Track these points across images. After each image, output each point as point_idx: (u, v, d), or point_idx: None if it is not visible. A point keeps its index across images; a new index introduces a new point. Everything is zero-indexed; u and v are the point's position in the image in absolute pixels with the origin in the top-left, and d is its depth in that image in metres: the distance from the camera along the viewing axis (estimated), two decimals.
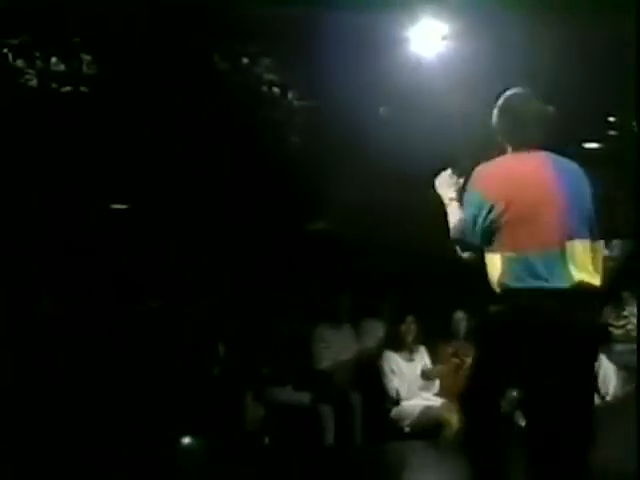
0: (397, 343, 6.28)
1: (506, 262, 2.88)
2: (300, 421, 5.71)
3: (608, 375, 7.22)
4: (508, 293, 2.88)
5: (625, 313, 8.22)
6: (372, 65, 6.40)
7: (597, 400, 7.03)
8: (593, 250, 2.91)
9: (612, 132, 10.05)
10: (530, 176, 2.96)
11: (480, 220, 2.94)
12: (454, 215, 3.17)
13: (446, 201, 3.28)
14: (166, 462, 4.88)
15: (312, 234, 7.64)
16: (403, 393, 6.10)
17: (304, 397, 5.92)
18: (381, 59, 6.43)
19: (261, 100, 7.09)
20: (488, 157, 3.10)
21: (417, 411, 6.04)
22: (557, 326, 2.79)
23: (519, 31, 6.49)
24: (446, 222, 3.20)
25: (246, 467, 4.94)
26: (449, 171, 3.34)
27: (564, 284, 2.81)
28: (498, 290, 2.92)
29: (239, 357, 5.71)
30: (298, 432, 5.65)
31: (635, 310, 8.25)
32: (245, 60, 6.87)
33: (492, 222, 2.91)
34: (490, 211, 2.90)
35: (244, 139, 6.99)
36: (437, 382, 6.36)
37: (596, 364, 3.89)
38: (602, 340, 3.30)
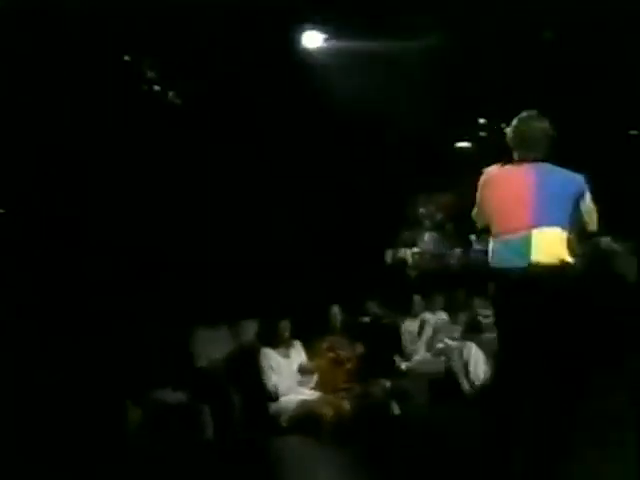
0: (273, 340, 6.33)
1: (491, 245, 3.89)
2: (179, 420, 5.64)
3: (478, 363, 7.53)
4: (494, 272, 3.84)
5: None
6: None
7: (467, 387, 7.41)
8: (562, 237, 3.73)
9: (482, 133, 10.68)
10: (514, 180, 3.88)
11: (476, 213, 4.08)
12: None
13: None
14: (47, 467, 4.69)
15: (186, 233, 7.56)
16: (281, 389, 6.16)
17: (183, 397, 5.86)
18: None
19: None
20: None
21: (294, 406, 6.11)
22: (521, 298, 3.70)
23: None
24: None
25: (128, 469, 4.83)
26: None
27: (525, 264, 3.67)
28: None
29: (117, 360, 5.57)
30: (178, 432, 5.57)
31: None
32: None
33: (485, 214, 3.98)
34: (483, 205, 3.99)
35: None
36: (314, 377, 6.46)
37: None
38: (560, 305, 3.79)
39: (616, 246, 10.14)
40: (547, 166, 3.89)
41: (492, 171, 4.00)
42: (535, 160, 3.89)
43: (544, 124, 3.97)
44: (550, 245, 3.71)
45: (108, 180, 6.92)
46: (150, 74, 6.97)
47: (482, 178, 4.02)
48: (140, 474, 4.81)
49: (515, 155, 3.96)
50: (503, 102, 9.20)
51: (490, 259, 3.88)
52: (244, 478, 4.80)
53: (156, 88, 7.03)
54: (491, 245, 3.90)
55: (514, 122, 4.01)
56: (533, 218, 3.74)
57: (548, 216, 3.74)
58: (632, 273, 9.15)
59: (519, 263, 3.71)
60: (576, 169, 3.98)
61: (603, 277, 9.50)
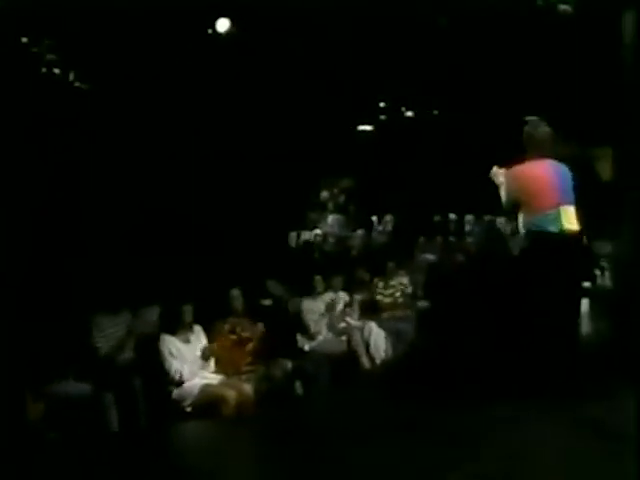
0: (175, 325, 6.26)
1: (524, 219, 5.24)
2: (83, 412, 5.53)
3: (378, 341, 7.71)
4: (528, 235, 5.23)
5: (392, 283, 8.84)
6: None
7: (368, 364, 7.57)
8: (574, 212, 5.20)
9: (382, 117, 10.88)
10: (540, 173, 5.23)
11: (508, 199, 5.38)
12: (503, 193, 5.41)
13: (498, 184, 5.45)
14: None
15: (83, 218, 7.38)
16: (183, 375, 6.09)
17: (85, 388, 5.74)
18: None
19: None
20: None
21: (196, 390, 6.07)
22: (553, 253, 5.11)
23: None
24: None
25: (31, 466, 4.71)
26: (496, 168, 5.51)
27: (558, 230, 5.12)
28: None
29: (13, 353, 5.39)
30: (82, 423, 5.47)
31: (404, 280, 8.93)
32: None
33: (517, 199, 5.30)
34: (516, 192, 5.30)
35: None
36: (216, 360, 6.43)
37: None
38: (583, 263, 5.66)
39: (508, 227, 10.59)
40: (554, 161, 5.27)
41: (519, 168, 5.29)
42: (546, 157, 5.24)
43: (548, 128, 5.31)
44: (571, 217, 5.17)
45: None
46: (52, 57, 6.72)
47: (511, 174, 5.30)
48: (45, 470, 4.70)
49: (531, 153, 5.23)
50: (404, 86, 9.43)
51: (527, 227, 5.23)
52: (150, 466, 4.74)
53: (57, 72, 6.79)
54: (527, 219, 5.24)
55: (526, 128, 5.31)
56: (560, 199, 5.16)
57: (567, 198, 5.20)
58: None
59: (553, 229, 5.11)
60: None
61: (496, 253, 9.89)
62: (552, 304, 5.08)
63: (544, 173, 5.25)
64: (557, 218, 5.14)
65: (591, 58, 7.02)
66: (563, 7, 6.28)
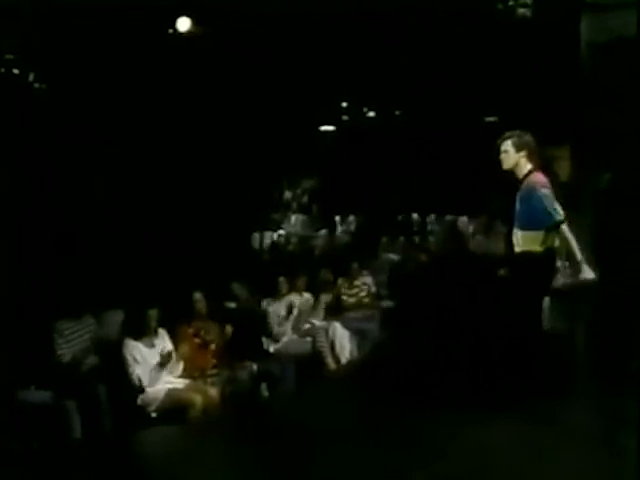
0: (138, 330, 6.21)
1: None
2: (46, 420, 5.46)
3: (343, 342, 7.74)
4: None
5: (356, 283, 8.89)
6: None
7: (333, 364, 7.60)
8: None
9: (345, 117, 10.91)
10: None
11: None
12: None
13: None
14: None
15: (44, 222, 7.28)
16: (146, 380, 6.05)
17: (47, 395, 5.67)
18: None
19: None
20: None
21: (161, 395, 6.02)
22: None
23: None
24: None
25: None
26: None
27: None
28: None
29: None
30: (45, 432, 5.40)
31: (368, 280, 8.97)
32: None
33: None
34: None
35: None
36: (180, 364, 6.40)
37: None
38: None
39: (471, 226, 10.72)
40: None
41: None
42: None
43: None
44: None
45: None
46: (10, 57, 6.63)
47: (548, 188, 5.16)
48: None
49: (534, 164, 5.21)
50: (366, 86, 9.47)
51: None
52: (115, 474, 4.70)
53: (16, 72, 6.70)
54: None
55: (528, 137, 5.26)
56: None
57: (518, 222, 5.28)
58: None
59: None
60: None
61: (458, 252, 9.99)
62: (518, 307, 5.09)
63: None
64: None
65: (548, 60, 7.13)
66: (522, 10, 6.38)
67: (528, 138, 5.29)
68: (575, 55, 6.28)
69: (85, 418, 5.56)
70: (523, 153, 5.24)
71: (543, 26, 6.59)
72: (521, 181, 5.23)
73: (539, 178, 5.19)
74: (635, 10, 5.70)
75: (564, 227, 5.03)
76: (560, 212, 5.05)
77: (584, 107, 6.28)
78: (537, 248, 5.08)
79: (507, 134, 5.30)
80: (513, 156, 5.25)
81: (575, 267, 5.04)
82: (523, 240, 5.17)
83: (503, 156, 5.32)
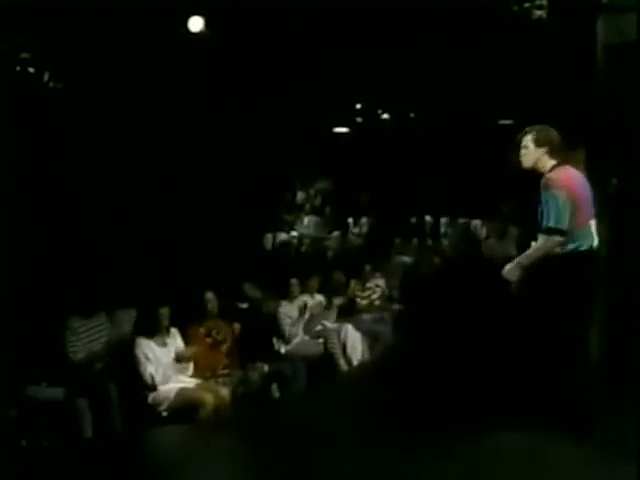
0: (151, 328, 6.22)
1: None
2: (57, 418, 5.49)
3: (354, 344, 7.74)
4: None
5: (369, 285, 8.89)
6: None
7: (345, 366, 7.60)
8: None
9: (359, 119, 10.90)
10: (579, 182, 4.78)
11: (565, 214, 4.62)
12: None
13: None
14: None
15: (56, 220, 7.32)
16: (159, 378, 6.07)
17: (59, 393, 5.69)
18: None
19: None
20: None
21: (172, 394, 6.04)
22: None
23: None
24: None
25: (3, 471, 4.66)
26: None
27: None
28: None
29: None
30: (56, 429, 5.42)
31: (380, 282, 8.98)
32: None
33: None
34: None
35: None
36: (191, 364, 6.41)
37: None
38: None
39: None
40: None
41: (563, 178, 4.69)
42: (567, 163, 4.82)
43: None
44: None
45: None
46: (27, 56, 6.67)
47: (562, 185, 4.62)
48: (16, 478, 4.65)
49: (557, 158, 4.74)
50: (381, 88, 9.46)
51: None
52: (125, 472, 4.71)
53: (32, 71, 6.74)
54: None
55: (550, 131, 4.80)
56: (591, 212, 4.76)
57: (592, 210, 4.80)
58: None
59: (587, 246, 4.65)
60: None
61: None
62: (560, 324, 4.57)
63: (581, 181, 4.81)
64: (590, 233, 4.71)
65: (563, 62, 7.10)
66: (538, 12, 6.35)
67: (551, 133, 4.81)
68: (591, 58, 6.24)
69: (96, 416, 5.59)
70: (544, 149, 4.76)
71: (558, 28, 6.56)
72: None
73: (559, 175, 4.68)
74: None
75: (553, 238, 4.54)
76: (561, 222, 4.53)
77: (599, 110, 6.23)
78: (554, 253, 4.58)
79: (527, 129, 4.85)
80: (533, 153, 4.78)
81: (512, 265, 4.64)
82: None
83: (522, 152, 4.85)
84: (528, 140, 4.81)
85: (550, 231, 4.54)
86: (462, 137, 10.59)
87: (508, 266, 4.64)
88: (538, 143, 4.76)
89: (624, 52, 6.00)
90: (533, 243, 4.73)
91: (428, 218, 11.50)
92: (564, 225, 4.54)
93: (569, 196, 4.58)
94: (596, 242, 4.71)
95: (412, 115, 11.37)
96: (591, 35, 6.16)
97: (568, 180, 4.69)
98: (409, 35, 7.73)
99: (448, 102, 9.61)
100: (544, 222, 4.56)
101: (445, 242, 10.95)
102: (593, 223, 4.74)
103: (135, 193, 7.64)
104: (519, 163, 4.85)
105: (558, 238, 4.54)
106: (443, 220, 11.45)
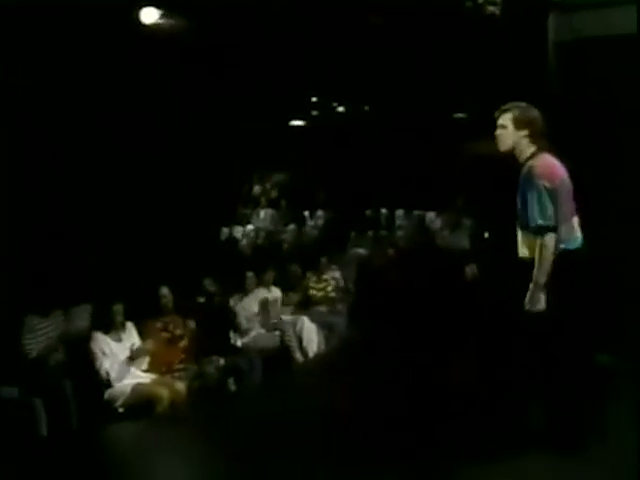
0: (107, 324, 6.18)
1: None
2: (12, 416, 5.41)
3: (310, 336, 7.78)
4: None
5: (325, 277, 8.93)
6: None
7: (301, 358, 7.64)
8: None
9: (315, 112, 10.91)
10: (562, 173, 4.16)
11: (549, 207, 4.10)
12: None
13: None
14: None
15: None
16: (115, 374, 6.03)
17: (14, 392, 5.61)
18: None
19: None
20: None
21: (128, 390, 6.01)
22: None
23: None
24: None
25: None
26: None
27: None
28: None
29: None
30: (11, 428, 5.34)
31: (336, 274, 9.02)
32: None
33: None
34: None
35: None
36: (147, 359, 6.38)
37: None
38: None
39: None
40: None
41: (548, 165, 4.14)
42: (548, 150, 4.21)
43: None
44: None
45: None
46: None
47: (546, 175, 4.08)
48: None
49: (539, 144, 4.16)
50: (336, 81, 9.49)
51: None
52: (82, 469, 4.68)
53: None
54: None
55: (532, 112, 4.20)
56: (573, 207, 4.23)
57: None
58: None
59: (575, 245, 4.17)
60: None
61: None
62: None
63: (564, 172, 4.20)
64: (575, 230, 4.20)
65: (516, 58, 7.21)
66: (491, 8, 6.43)
67: (533, 113, 4.19)
68: (542, 54, 6.34)
69: (52, 414, 5.53)
70: (525, 132, 4.15)
71: (511, 24, 6.65)
72: (522, 166, 4.16)
73: (542, 163, 4.11)
74: (599, 10, 5.77)
75: (548, 238, 4.00)
76: (548, 216, 4.01)
77: (550, 106, 6.33)
78: (528, 255, 4.11)
79: (507, 105, 4.23)
80: (512, 135, 4.17)
81: (531, 292, 4.01)
82: (521, 242, 4.18)
83: (499, 132, 4.22)
84: (507, 119, 4.20)
85: (542, 230, 4.02)
86: (417, 131, 10.69)
87: (528, 297, 4.01)
88: (518, 124, 4.15)
89: (575, 49, 6.13)
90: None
91: (383, 211, 11.59)
92: (554, 220, 4.03)
93: (555, 187, 4.06)
94: (580, 240, 4.19)
95: (367, 109, 11.45)
96: (543, 32, 6.27)
97: (553, 170, 4.13)
98: (364, 30, 7.77)
99: (403, 96, 9.69)
100: (532, 219, 4.05)
101: (400, 234, 11.05)
102: (576, 220, 4.22)
103: (89, 188, 7.53)
104: (496, 145, 4.28)
105: (553, 235, 4.01)
106: (398, 212, 11.55)
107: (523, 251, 4.15)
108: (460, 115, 10.34)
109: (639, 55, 5.57)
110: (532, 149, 4.15)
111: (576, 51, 6.12)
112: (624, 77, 5.90)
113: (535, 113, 4.19)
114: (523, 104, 4.22)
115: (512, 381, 4.54)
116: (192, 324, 6.92)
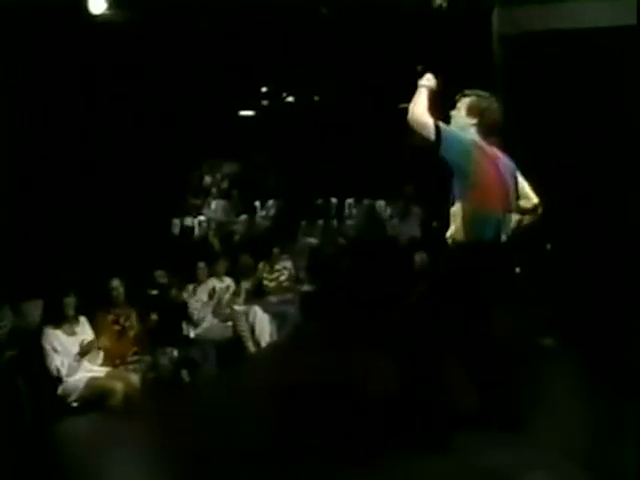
0: (57, 318, 6.13)
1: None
2: None
3: (263, 325, 7.83)
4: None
5: (277, 267, 8.98)
6: None
7: (253, 347, 7.68)
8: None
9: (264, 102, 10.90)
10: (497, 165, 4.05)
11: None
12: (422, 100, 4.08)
13: (420, 85, 4.16)
14: None
15: None
16: (66, 370, 5.99)
17: None
18: None
19: None
20: None
21: (82, 384, 5.99)
22: None
23: None
24: None
25: None
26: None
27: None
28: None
29: None
30: None
31: (288, 264, 9.06)
32: None
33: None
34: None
35: None
36: (101, 352, 6.36)
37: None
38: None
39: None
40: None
41: (485, 147, 4.03)
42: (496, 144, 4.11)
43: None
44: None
45: None
46: None
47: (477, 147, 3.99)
48: None
49: (491, 133, 4.05)
50: (286, 71, 9.52)
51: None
52: (36, 465, 4.67)
53: None
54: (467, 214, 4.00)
55: (488, 103, 4.10)
56: (509, 204, 4.11)
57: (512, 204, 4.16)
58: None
59: (491, 236, 4.02)
60: None
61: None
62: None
63: (506, 164, 4.13)
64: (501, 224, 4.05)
65: (462, 50, 7.33)
66: (438, 1, 6.53)
67: (487, 104, 4.10)
68: (487, 47, 6.47)
69: (4, 410, 5.49)
70: (474, 120, 4.07)
71: (458, 17, 6.76)
72: None
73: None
74: (542, 6, 5.91)
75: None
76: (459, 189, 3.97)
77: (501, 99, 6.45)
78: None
79: (468, 91, 4.16)
80: (461, 119, 4.11)
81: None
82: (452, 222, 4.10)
83: (452, 114, 4.17)
84: (463, 103, 4.15)
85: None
86: (365, 120, 10.77)
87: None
88: (469, 111, 4.09)
89: (519, 42, 6.27)
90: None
91: (333, 200, 11.66)
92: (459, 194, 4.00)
93: (480, 165, 3.96)
94: (505, 236, 4.08)
95: (317, 98, 11.50)
96: (488, 25, 6.40)
97: (489, 155, 4.03)
98: (313, 20, 7.82)
99: (352, 86, 9.77)
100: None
101: (350, 223, 11.14)
102: (514, 217, 4.15)
103: (36, 180, 7.44)
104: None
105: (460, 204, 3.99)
106: (348, 201, 11.63)
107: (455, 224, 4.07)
108: (407, 105, 10.44)
109: (579, 49, 5.74)
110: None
111: (520, 44, 6.27)
112: (566, 70, 6.06)
113: (490, 105, 4.11)
114: (484, 94, 4.15)
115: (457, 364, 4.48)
116: (144, 316, 6.91)
